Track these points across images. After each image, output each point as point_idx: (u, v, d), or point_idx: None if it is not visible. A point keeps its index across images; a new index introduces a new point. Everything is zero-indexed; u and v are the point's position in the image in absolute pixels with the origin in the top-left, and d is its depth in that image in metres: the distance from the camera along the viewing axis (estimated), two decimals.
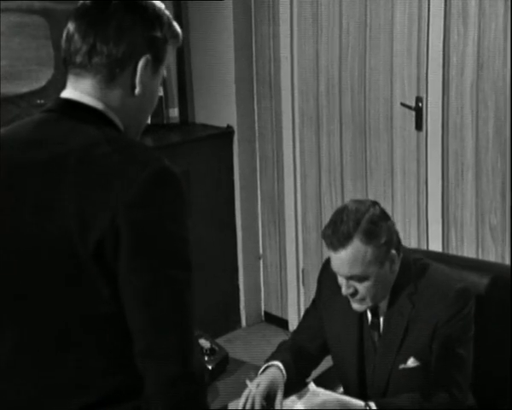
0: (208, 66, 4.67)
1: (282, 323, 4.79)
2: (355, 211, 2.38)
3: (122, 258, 1.54)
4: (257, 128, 4.70)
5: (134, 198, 1.53)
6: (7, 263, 1.67)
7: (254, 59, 4.62)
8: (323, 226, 2.44)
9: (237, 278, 4.83)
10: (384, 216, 2.42)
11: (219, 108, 4.67)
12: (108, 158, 1.58)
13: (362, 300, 2.42)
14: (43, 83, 4.12)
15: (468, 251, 3.79)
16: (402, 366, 2.45)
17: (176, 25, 1.75)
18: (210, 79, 4.67)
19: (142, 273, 1.54)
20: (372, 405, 2.37)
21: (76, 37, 1.66)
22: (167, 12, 1.74)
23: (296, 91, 4.47)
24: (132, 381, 1.63)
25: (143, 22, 1.67)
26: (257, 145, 4.72)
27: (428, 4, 3.75)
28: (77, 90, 1.68)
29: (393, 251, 2.41)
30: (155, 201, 1.55)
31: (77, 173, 1.58)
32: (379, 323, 2.50)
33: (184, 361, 1.56)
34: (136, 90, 1.69)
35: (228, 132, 4.64)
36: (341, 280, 2.42)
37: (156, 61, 1.70)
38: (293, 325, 4.65)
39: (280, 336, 4.31)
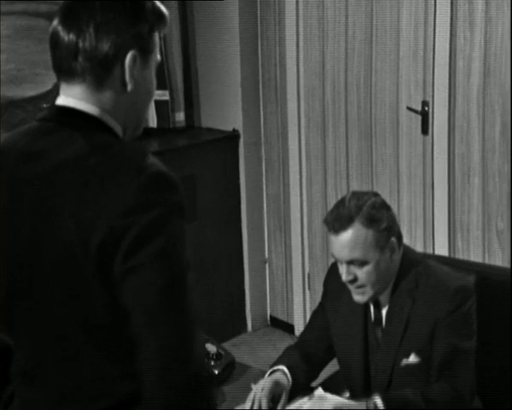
0: (214, 70, 4.67)
1: (288, 327, 4.78)
2: (357, 198, 2.43)
3: (120, 262, 1.52)
4: (263, 132, 4.70)
5: (130, 204, 1.52)
6: (11, 276, 1.67)
7: (260, 63, 4.62)
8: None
9: (243, 283, 4.82)
10: (385, 205, 2.46)
11: (225, 111, 4.67)
12: (104, 166, 1.57)
13: (362, 287, 2.43)
14: (49, 86, 4.13)
15: (475, 255, 3.79)
16: (404, 362, 2.46)
17: (159, 5, 1.69)
18: (216, 83, 4.67)
19: (139, 275, 1.53)
20: (377, 400, 2.37)
21: (59, 42, 1.64)
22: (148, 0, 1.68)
23: (302, 95, 4.47)
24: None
25: (125, 18, 1.63)
26: (263, 149, 4.72)
27: (435, 8, 3.75)
28: (70, 96, 1.66)
29: (394, 239, 2.44)
30: (152, 205, 1.53)
31: (73, 184, 1.57)
32: (381, 318, 2.51)
33: (188, 363, 1.54)
34: (129, 87, 1.65)
35: (234, 136, 4.64)
36: (341, 268, 2.44)
37: (145, 54, 1.66)
38: (298, 329, 4.65)
39: (286, 341, 4.30)
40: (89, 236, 1.53)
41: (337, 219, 2.39)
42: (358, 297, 2.47)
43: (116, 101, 1.66)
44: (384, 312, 2.51)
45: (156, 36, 1.68)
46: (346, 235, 2.38)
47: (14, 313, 1.70)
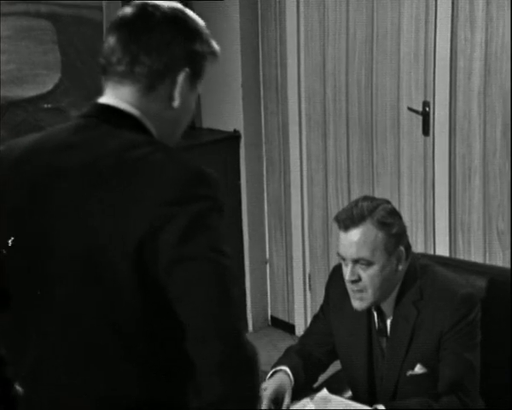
0: (215, 70, 4.65)
1: (289, 327, 4.78)
2: (370, 201, 2.44)
3: (163, 254, 1.53)
4: (263, 133, 4.70)
5: (173, 197, 1.55)
6: (33, 268, 1.65)
7: (261, 64, 4.62)
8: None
9: (244, 283, 4.82)
10: (397, 213, 2.48)
11: (226, 112, 4.67)
12: (147, 159, 1.59)
13: (362, 292, 2.42)
14: (50, 87, 4.13)
15: (476, 256, 3.78)
16: (409, 373, 2.45)
17: (214, 41, 1.76)
18: (217, 83, 4.67)
19: (185, 263, 1.54)
20: (380, 406, 2.37)
21: (118, 47, 1.67)
22: (206, 28, 1.75)
23: (303, 96, 4.47)
24: (160, 392, 1.62)
25: (184, 35, 1.70)
26: (263, 150, 4.72)
27: (436, 9, 3.75)
28: (115, 97, 1.69)
29: (402, 248, 2.44)
30: (198, 198, 1.56)
31: (112, 176, 1.58)
32: (386, 328, 2.51)
33: (247, 346, 1.56)
34: (175, 103, 1.70)
35: (235, 137, 4.64)
36: (346, 268, 2.44)
37: (194, 76, 1.73)
38: (299, 329, 4.65)
39: (286, 341, 4.30)
40: (127, 227, 1.54)
41: (349, 217, 2.40)
42: (357, 303, 2.45)
43: (159, 112, 1.70)
44: (388, 321, 2.50)
45: (206, 65, 1.75)
46: (356, 232, 2.39)
47: (27, 312, 1.67)
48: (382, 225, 2.39)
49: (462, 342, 2.41)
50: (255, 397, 1.60)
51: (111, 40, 1.69)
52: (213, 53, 1.77)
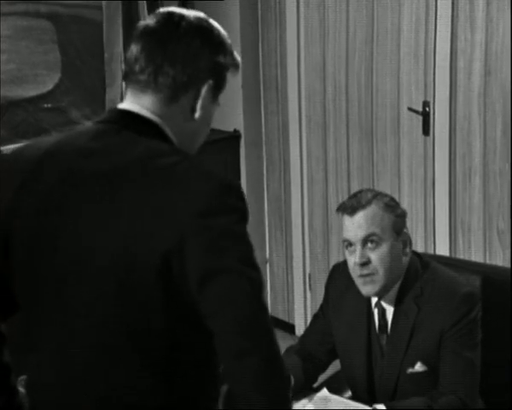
0: None
1: (289, 327, 4.77)
2: (371, 191, 2.52)
3: (193, 265, 1.51)
4: (264, 132, 4.70)
5: (202, 208, 1.52)
6: (43, 269, 1.63)
7: (261, 64, 4.62)
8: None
9: None
10: (396, 201, 2.53)
11: (226, 112, 4.64)
12: (175, 168, 1.57)
13: (372, 275, 2.42)
14: (50, 87, 4.13)
15: (476, 255, 3.78)
16: (410, 371, 2.45)
17: (236, 54, 1.75)
18: None
19: (218, 277, 1.52)
20: (380, 406, 2.37)
21: (141, 55, 1.66)
22: (229, 39, 1.74)
23: (303, 96, 4.47)
24: (175, 402, 1.61)
25: (210, 47, 1.68)
26: (264, 149, 4.72)
27: (436, 9, 3.75)
28: (137, 104, 1.67)
29: (406, 231, 2.48)
30: (223, 210, 1.54)
31: (139, 183, 1.56)
32: (386, 326, 2.51)
33: (274, 356, 1.54)
34: (197, 115, 1.69)
35: (235, 137, 4.64)
36: (352, 255, 2.43)
37: (216, 89, 1.72)
38: (299, 329, 4.65)
39: (286, 341, 4.29)
40: (154, 238, 1.52)
41: (355, 202, 2.43)
42: (368, 288, 2.44)
43: (180, 123, 1.68)
44: (389, 319, 2.50)
45: (227, 76, 1.74)
46: (364, 213, 2.42)
47: (37, 315, 1.66)
48: (387, 207, 2.45)
49: (463, 341, 2.41)
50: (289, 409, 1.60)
51: (134, 48, 1.68)
52: (235, 65, 1.75)
